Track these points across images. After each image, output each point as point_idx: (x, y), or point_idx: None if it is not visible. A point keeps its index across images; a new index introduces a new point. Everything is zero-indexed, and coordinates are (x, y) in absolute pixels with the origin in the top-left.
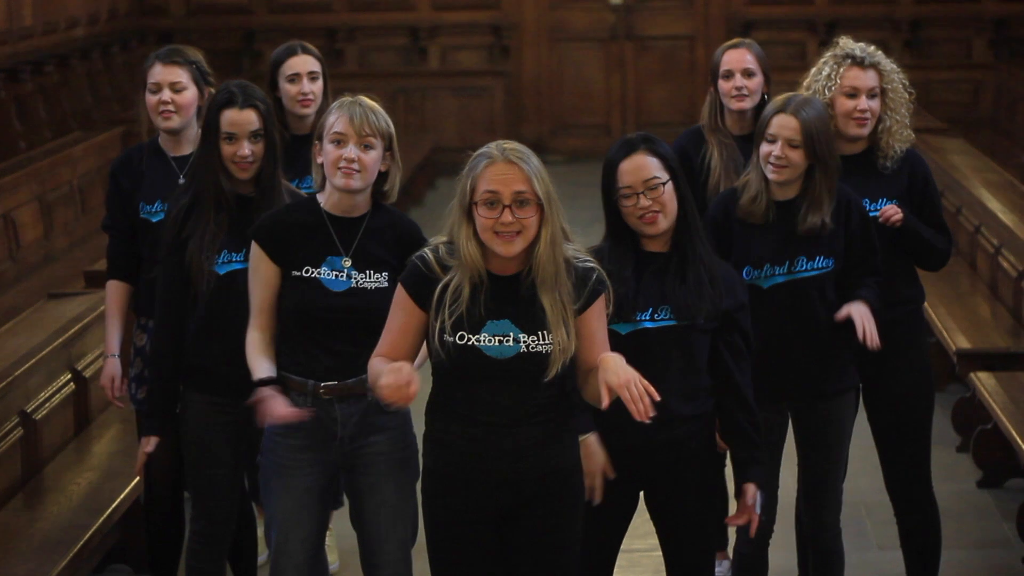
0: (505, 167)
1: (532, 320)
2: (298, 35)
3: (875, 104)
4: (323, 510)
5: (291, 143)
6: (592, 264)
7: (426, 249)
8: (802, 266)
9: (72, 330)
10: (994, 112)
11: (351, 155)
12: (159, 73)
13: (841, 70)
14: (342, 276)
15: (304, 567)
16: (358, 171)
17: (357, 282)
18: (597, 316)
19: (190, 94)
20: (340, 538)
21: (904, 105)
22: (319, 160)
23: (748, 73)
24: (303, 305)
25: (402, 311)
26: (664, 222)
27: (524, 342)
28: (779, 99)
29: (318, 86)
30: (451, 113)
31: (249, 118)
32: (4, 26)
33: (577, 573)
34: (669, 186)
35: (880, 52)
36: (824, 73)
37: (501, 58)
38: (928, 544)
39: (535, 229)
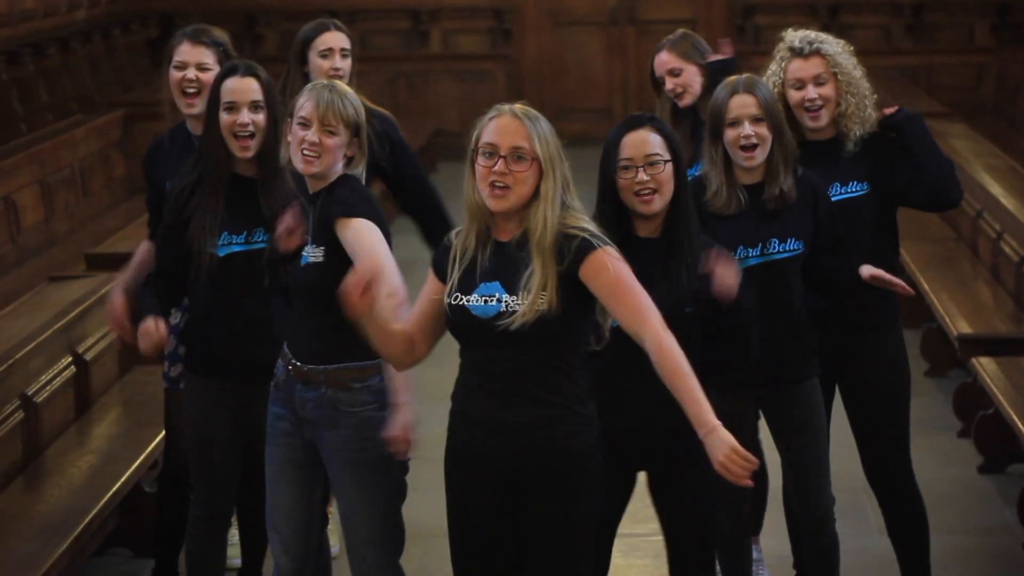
0: (509, 121)
1: (516, 282)
2: (299, 19)
3: (825, 90)
4: (307, 486)
5: None
6: (579, 231)
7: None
8: (775, 248)
9: (73, 313)
10: (996, 97)
11: (313, 139)
12: (186, 52)
13: (784, 64)
14: (307, 251)
15: (291, 542)
16: (317, 156)
17: (309, 257)
18: (596, 272)
19: (214, 75)
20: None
21: (861, 85)
22: (288, 138)
23: (673, 73)
24: (287, 282)
25: (427, 282)
26: (659, 202)
27: (506, 301)
28: (726, 83)
29: (348, 64)
30: (452, 97)
31: (250, 85)
32: (5, 9)
33: (587, 560)
34: (669, 167)
35: (825, 37)
36: (772, 70)
37: (502, 42)
38: (915, 531)
39: (529, 187)
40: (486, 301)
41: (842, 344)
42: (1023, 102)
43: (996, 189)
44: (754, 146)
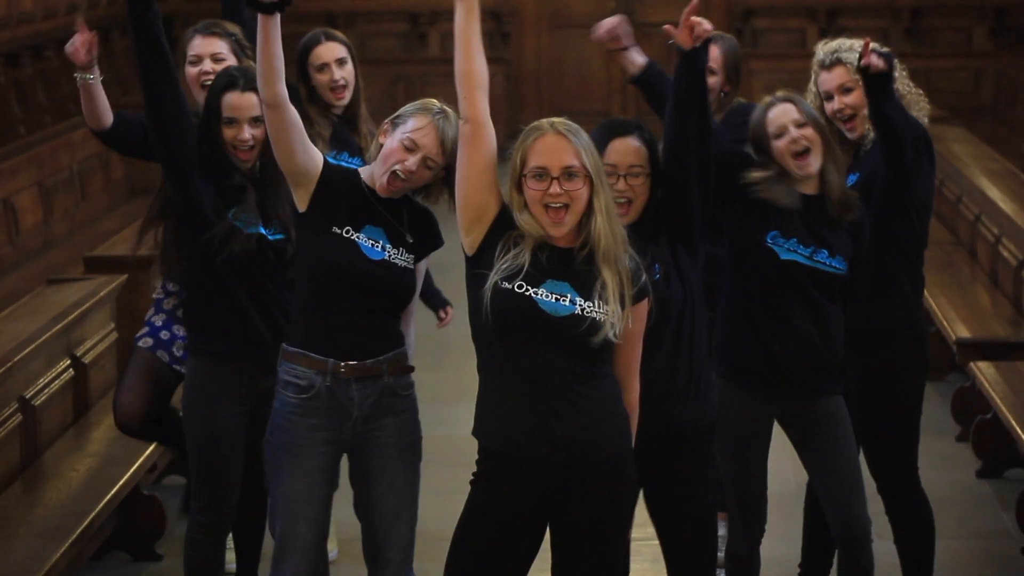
0: (554, 140)
1: (590, 289)
2: (299, 22)
3: (850, 99)
4: (331, 491)
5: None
6: (643, 269)
7: None
8: (823, 258)
9: (71, 316)
10: (995, 100)
11: (411, 167)
12: (199, 45)
13: (815, 78)
14: (378, 246)
15: (311, 550)
16: (406, 181)
17: (390, 256)
18: (638, 318)
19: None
20: (339, 526)
21: None
22: (382, 140)
23: (712, 71)
24: (342, 264)
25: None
26: (631, 215)
27: (580, 305)
28: (762, 102)
29: (348, 70)
30: (451, 99)
31: (250, 102)
32: (4, 11)
33: (622, 562)
34: (647, 179)
35: (851, 44)
36: (810, 87)
37: (501, 44)
38: (920, 539)
39: (584, 202)
40: (557, 299)
41: (852, 348)
42: (1021, 106)
43: (994, 193)
44: (806, 150)
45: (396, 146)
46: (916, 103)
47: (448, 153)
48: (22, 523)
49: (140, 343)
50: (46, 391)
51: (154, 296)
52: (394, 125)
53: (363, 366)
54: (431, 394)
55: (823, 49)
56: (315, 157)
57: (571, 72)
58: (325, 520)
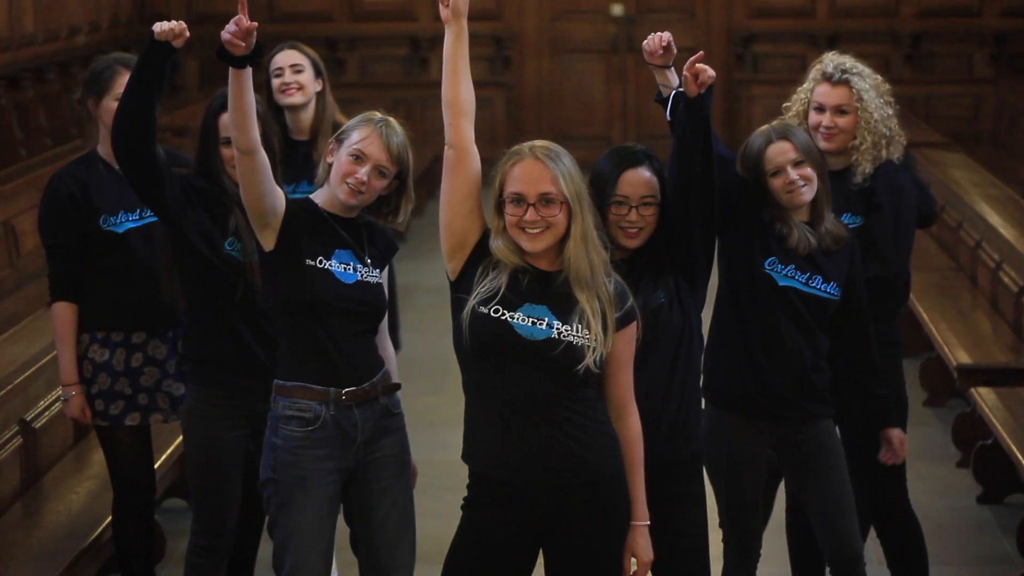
0: (532, 165)
1: (568, 313)
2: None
3: (844, 121)
4: (336, 521)
5: (288, 148)
6: (629, 291)
7: None
8: (818, 284)
9: None
10: (995, 127)
11: (362, 177)
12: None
13: (813, 85)
14: (349, 269)
15: None
16: (361, 193)
17: (363, 275)
18: (626, 341)
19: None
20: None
21: (883, 126)
22: (329, 159)
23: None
24: (321, 296)
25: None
26: (641, 239)
27: (557, 328)
28: (759, 132)
29: (304, 77)
30: None
31: None
32: (6, 33)
33: None
34: (657, 209)
35: (861, 69)
36: (803, 87)
37: (502, 69)
38: (912, 563)
39: (563, 227)
40: (534, 323)
41: (839, 376)
42: (1021, 132)
43: (995, 219)
44: (803, 187)
45: (345, 160)
46: (890, 144)
47: (396, 159)
48: (21, 546)
49: (119, 419)
50: (46, 414)
51: (101, 360)
52: (339, 142)
53: (362, 391)
54: (430, 419)
55: (833, 61)
56: (280, 196)
57: (572, 97)
58: (332, 550)
